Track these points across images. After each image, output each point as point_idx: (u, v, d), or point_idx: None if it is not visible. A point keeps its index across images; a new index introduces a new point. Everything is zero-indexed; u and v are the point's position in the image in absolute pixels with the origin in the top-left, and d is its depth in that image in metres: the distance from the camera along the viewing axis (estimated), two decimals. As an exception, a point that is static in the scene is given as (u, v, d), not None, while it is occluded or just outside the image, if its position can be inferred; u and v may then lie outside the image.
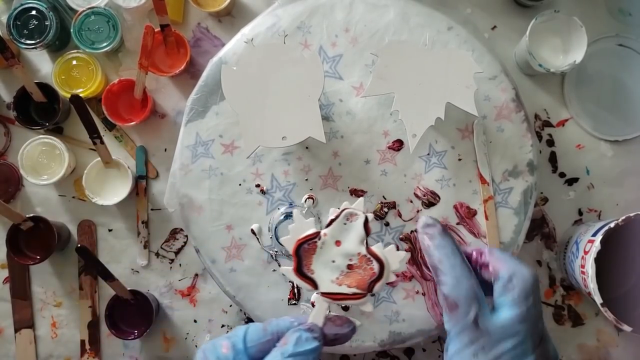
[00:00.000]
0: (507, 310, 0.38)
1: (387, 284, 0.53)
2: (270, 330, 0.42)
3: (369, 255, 0.45)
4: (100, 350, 0.71)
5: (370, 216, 0.45)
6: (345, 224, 0.45)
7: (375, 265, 0.44)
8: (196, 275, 0.71)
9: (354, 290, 0.44)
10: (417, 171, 0.60)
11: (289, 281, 0.59)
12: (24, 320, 0.71)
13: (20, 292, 0.71)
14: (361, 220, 0.45)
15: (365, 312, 0.48)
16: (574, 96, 0.70)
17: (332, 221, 0.45)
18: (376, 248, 0.45)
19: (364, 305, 0.45)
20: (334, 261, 0.45)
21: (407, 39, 0.61)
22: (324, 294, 0.45)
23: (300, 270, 0.45)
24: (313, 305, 0.58)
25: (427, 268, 0.58)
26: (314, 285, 0.45)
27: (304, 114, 0.54)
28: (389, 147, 0.60)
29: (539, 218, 0.70)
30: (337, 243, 0.45)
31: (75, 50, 0.69)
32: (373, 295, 0.45)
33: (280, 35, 0.61)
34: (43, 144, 0.69)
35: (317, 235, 0.45)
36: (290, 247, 0.45)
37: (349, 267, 0.45)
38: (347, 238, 0.45)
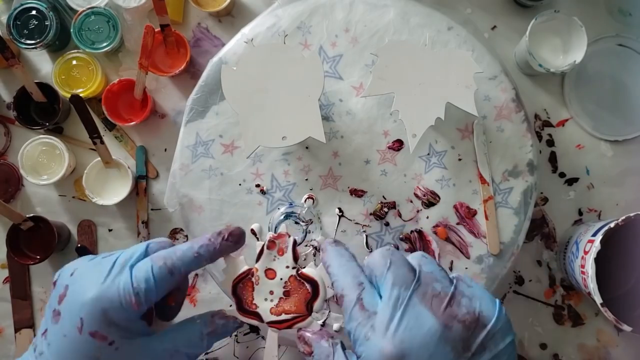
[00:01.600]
0: (383, 284, 0.40)
1: None
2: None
3: (300, 278, 0.47)
4: (100, 350, 0.71)
5: (297, 239, 0.48)
6: (274, 256, 0.47)
7: (308, 287, 0.46)
8: (196, 275, 0.71)
9: (294, 315, 0.46)
10: (417, 171, 0.60)
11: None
12: (24, 320, 0.71)
13: (20, 292, 0.71)
14: (289, 246, 0.47)
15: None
16: (574, 96, 0.70)
17: (259, 255, 0.47)
18: (308, 269, 0.47)
19: (310, 325, 0.46)
20: (272, 292, 0.47)
21: (407, 39, 0.61)
22: (269, 324, 0.47)
23: (242, 308, 0.47)
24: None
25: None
26: (259, 318, 0.47)
27: (304, 114, 0.54)
28: (389, 147, 0.60)
29: (539, 218, 0.70)
30: (271, 274, 0.47)
31: (75, 50, 0.70)
32: (315, 313, 0.47)
33: (280, 35, 0.61)
34: (43, 144, 0.69)
35: (249, 272, 0.47)
36: (228, 290, 0.47)
37: (285, 293, 0.47)
38: (279, 267, 0.47)
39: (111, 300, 0.41)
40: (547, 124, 0.71)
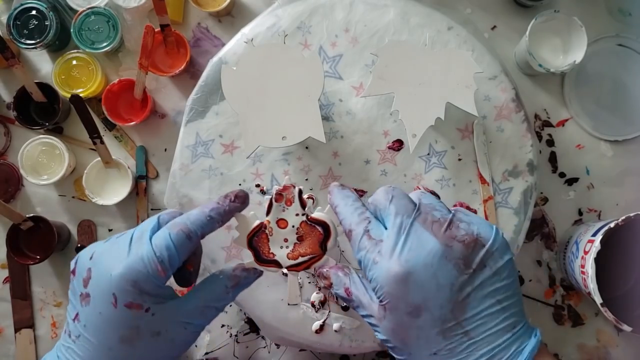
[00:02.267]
0: (387, 216, 0.43)
1: None
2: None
3: (310, 223, 0.49)
4: (100, 350, 0.71)
5: (302, 188, 0.50)
6: (283, 207, 0.50)
7: (319, 229, 0.49)
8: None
9: (310, 255, 0.49)
10: (417, 171, 0.60)
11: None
12: (24, 320, 0.71)
13: (20, 292, 0.71)
14: (296, 195, 0.49)
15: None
16: (574, 96, 0.71)
17: (269, 208, 0.50)
18: (316, 213, 0.49)
19: (326, 263, 0.49)
20: (286, 239, 0.49)
21: (407, 39, 0.61)
22: (289, 269, 0.50)
23: (260, 259, 0.50)
24: (313, 305, 0.59)
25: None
26: (278, 265, 0.50)
27: (304, 114, 0.54)
28: (389, 147, 0.60)
29: (539, 218, 0.70)
30: (283, 223, 0.50)
31: (75, 50, 0.70)
32: (327, 252, 0.50)
33: (280, 35, 0.61)
34: (43, 144, 0.69)
35: (261, 225, 0.50)
36: (244, 245, 0.50)
37: (299, 238, 0.49)
38: (289, 216, 0.50)
39: (138, 271, 0.43)
40: (547, 124, 0.71)
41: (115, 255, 0.45)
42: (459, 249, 0.40)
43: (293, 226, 0.49)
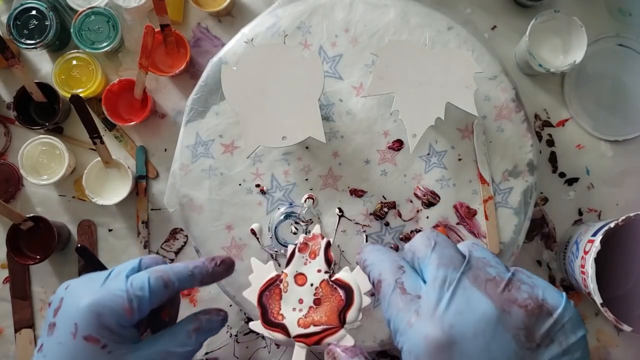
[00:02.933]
0: (426, 267, 0.36)
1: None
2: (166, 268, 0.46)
3: (333, 284, 0.42)
4: (100, 350, 0.70)
5: (330, 241, 0.43)
6: (305, 259, 0.43)
7: (341, 293, 0.41)
8: (196, 275, 0.71)
9: (325, 326, 0.41)
10: (417, 171, 0.60)
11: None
12: (24, 320, 0.71)
13: (20, 292, 0.71)
14: (322, 247, 0.43)
15: (365, 313, 0.45)
16: (574, 96, 0.70)
17: (290, 259, 0.43)
18: (341, 274, 0.42)
19: (341, 340, 0.41)
20: (301, 300, 0.42)
21: (407, 39, 0.61)
22: (296, 339, 0.42)
23: (267, 320, 0.43)
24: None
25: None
26: (285, 331, 0.42)
27: (304, 114, 0.54)
28: (389, 147, 0.60)
29: (539, 218, 0.70)
30: (301, 279, 0.43)
31: (75, 50, 0.69)
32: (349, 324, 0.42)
33: (280, 35, 0.61)
34: (43, 144, 0.69)
35: (277, 278, 0.43)
36: (254, 299, 0.44)
37: (316, 302, 0.42)
38: (310, 271, 0.43)
39: (105, 305, 0.42)
40: (547, 124, 0.71)
41: (88, 287, 0.44)
42: (520, 316, 0.32)
43: (312, 284, 0.43)
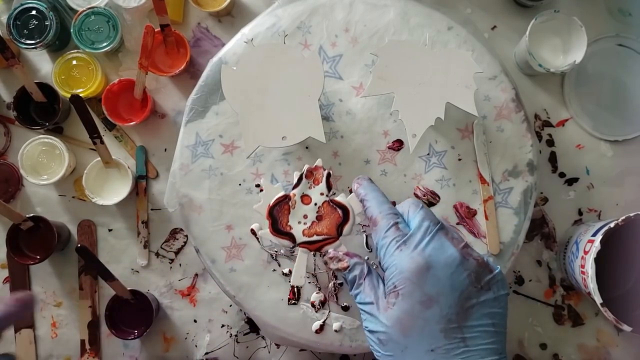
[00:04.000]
0: (413, 219, 0.46)
1: None
2: None
3: (332, 204, 0.51)
4: (100, 350, 0.71)
5: (331, 172, 0.52)
6: (310, 184, 0.52)
7: (340, 212, 0.51)
8: (196, 275, 0.71)
9: (325, 236, 0.51)
10: (417, 171, 0.60)
11: (289, 281, 0.59)
12: (24, 320, 0.71)
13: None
14: (324, 176, 0.52)
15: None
16: (574, 96, 0.71)
17: (298, 182, 0.52)
18: (340, 197, 0.51)
19: (338, 247, 0.50)
20: (305, 216, 0.51)
21: (407, 39, 0.61)
22: (301, 245, 0.51)
23: (276, 229, 0.51)
24: (313, 305, 0.58)
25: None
26: (292, 239, 0.51)
27: (304, 114, 0.54)
28: (389, 147, 0.60)
29: (539, 218, 0.70)
30: (307, 199, 0.51)
31: (75, 50, 0.70)
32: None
33: (280, 35, 0.61)
34: (43, 144, 0.69)
35: (286, 197, 0.52)
36: (263, 212, 0.52)
37: (318, 217, 0.51)
38: (314, 194, 0.52)
39: None
40: (547, 124, 0.71)
41: None
42: (473, 264, 0.43)
43: (315, 204, 0.51)
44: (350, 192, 0.52)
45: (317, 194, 0.52)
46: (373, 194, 0.49)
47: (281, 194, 0.52)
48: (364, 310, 0.45)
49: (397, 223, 0.46)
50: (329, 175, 0.52)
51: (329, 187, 0.51)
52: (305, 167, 0.52)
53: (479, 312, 0.42)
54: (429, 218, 0.45)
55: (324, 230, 0.51)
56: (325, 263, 0.49)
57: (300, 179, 0.52)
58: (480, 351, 0.41)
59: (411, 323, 0.42)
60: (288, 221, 0.51)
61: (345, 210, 0.51)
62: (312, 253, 0.51)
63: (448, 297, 0.42)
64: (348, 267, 0.48)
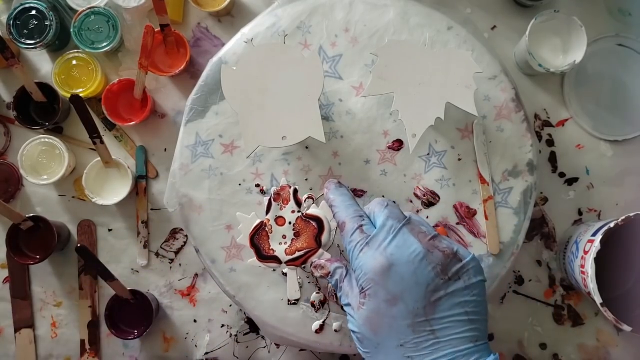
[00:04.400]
0: (379, 219, 0.47)
1: None
2: None
3: (305, 219, 0.54)
4: (100, 350, 0.71)
5: (297, 188, 0.56)
6: (280, 205, 0.55)
7: (314, 224, 0.54)
8: (196, 275, 0.71)
9: (306, 250, 0.54)
10: (417, 171, 0.60)
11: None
12: (24, 320, 0.71)
13: (20, 292, 0.71)
14: (291, 194, 0.55)
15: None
16: (574, 96, 0.71)
17: (269, 207, 0.55)
18: (311, 210, 0.55)
19: (322, 256, 0.54)
20: (284, 236, 0.55)
21: (407, 39, 0.61)
22: (287, 263, 0.55)
23: (261, 256, 0.55)
24: (313, 305, 0.59)
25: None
26: (278, 261, 0.55)
27: (304, 114, 0.54)
28: (389, 147, 0.60)
29: (539, 218, 0.70)
30: (281, 221, 0.55)
31: (75, 50, 0.70)
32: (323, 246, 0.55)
33: (280, 35, 0.61)
34: (43, 144, 0.69)
35: (262, 224, 0.55)
36: (246, 243, 0.56)
37: (296, 234, 0.55)
38: (286, 214, 0.55)
39: None
40: (547, 124, 0.71)
41: None
42: (439, 256, 0.44)
43: (290, 223, 0.54)
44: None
45: (289, 212, 0.55)
46: (340, 198, 0.50)
47: (257, 222, 0.55)
48: (346, 311, 0.47)
49: (361, 226, 0.47)
50: (295, 191, 0.55)
51: (298, 203, 0.55)
52: (272, 189, 0.55)
53: (449, 303, 0.43)
54: (393, 216, 0.46)
55: (304, 245, 0.54)
56: (312, 273, 0.51)
57: (270, 204, 0.55)
58: (452, 341, 0.42)
59: (379, 321, 0.44)
60: (270, 246, 0.55)
61: (319, 221, 0.54)
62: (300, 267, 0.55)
63: (413, 292, 0.43)
64: (329, 273, 0.50)
